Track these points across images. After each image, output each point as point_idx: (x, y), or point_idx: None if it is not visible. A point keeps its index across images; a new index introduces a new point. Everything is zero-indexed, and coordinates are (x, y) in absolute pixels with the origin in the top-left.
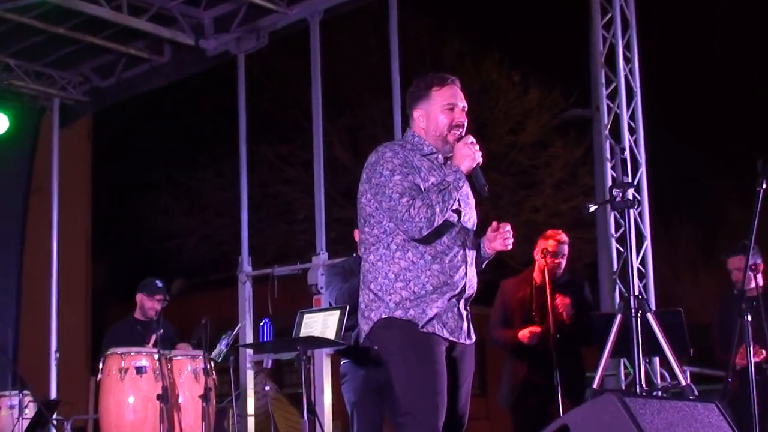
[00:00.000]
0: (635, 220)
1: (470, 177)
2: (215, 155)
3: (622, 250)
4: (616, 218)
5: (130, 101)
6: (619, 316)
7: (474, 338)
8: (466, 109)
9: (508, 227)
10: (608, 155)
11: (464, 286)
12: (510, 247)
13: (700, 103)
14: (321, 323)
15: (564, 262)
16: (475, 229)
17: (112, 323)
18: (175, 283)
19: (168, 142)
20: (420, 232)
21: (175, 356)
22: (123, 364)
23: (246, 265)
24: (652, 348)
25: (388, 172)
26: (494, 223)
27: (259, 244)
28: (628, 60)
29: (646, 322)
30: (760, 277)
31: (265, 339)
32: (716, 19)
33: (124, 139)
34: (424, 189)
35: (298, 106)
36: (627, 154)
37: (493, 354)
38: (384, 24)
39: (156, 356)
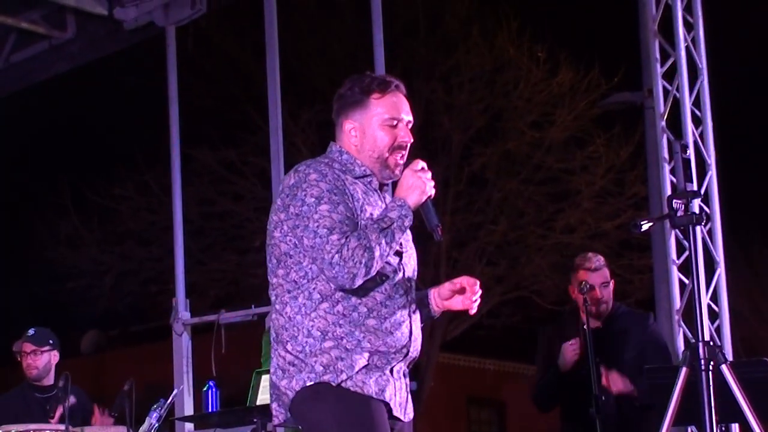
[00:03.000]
0: (703, 240)
1: (418, 214)
2: (137, 164)
3: (686, 281)
4: (678, 239)
5: (22, 93)
6: (683, 370)
7: (412, 415)
8: (411, 124)
9: (478, 288)
10: (666, 154)
11: (407, 347)
12: (474, 311)
13: None
14: None
15: (609, 293)
16: (416, 275)
17: None
18: (86, 337)
19: (73, 148)
20: (352, 280)
21: None
22: None
23: (183, 311)
24: (729, 411)
25: (313, 199)
26: (461, 281)
27: (201, 283)
28: (690, 27)
29: (720, 377)
30: None
31: (210, 409)
32: None
33: (13, 143)
34: (359, 225)
35: (249, 97)
36: (691, 152)
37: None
38: None
39: None
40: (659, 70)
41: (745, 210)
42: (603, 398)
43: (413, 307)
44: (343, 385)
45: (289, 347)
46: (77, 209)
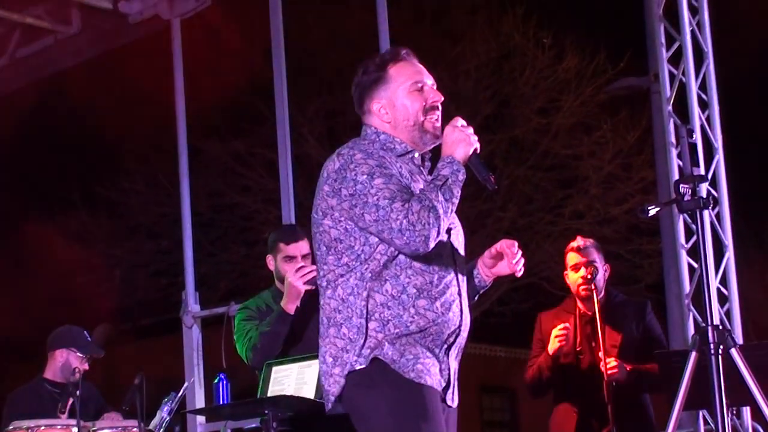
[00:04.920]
0: (712, 224)
1: (467, 169)
2: (146, 158)
3: (695, 265)
4: (686, 223)
5: (28, 87)
6: (693, 354)
7: (458, 402)
8: (435, 85)
9: (516, 247)
10: (673, 139)
11: (458, 328)
12: (521, 272)
13: None
14: (295, 378)
15: (599, 274)
16: (464, 252)
17: (12, 388)
18: (98, 331)
19: (81, 142)
20: (426, 243)
21: (101, 429)
22: None
23: (192, 304)
24: (739, 395)
25: (365, 176)
26: (498, 245)
27: (211, 275)
28: (695, 11)
29: (730, 361)
30: None
31: (221, 401)
32: None
33: (21, 138)
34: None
35: (256, 88)
36: (698, 136)
37: (529, 411)
38: None
39: (75, 430)
40: (665, 54)
41: (754, 192)
42: (599, 385)
43: (463, 285)
44: (396, 370)
45: (344, 330)
46: (86, 203)
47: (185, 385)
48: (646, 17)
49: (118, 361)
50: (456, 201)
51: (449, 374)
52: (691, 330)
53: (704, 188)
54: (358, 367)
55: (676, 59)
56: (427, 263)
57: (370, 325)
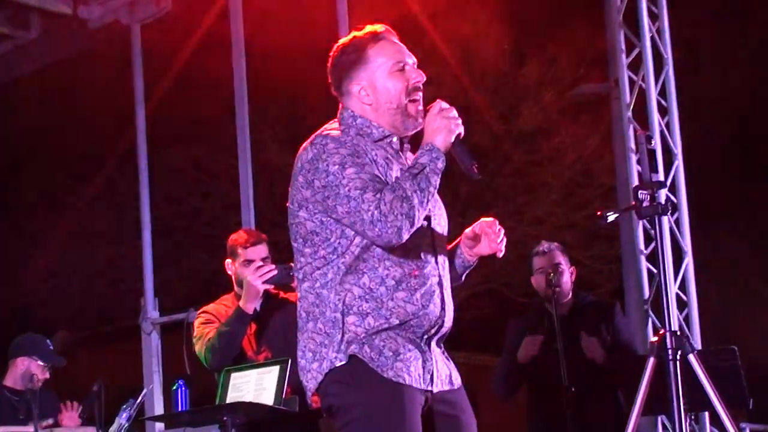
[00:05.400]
0: (671, 230)
1: (450, 156)
2: (105, 163)
3: (654, 271)
4: (645, 229)
5: None
6: (651, 360)
7: (460, 381)
8: (416, 63)
9: (498, 225)
10: (632, 145)
11: (441, 318)
12: (502, 251)
13: (755, 70)
14: (254, 384)
15: (565, 277)
16: (446, 236)
17: None
18: (56, 338)
19: (39, 148)
20: (398, 235)
21: None
22: None
23: (151, 310)
24: (697, 401)
25: (336, 167)
26: (476, 225)
27: (170, 281)
28: (654, 17)
29: (689, 367)
30: None
31: (179, 408)
32: None
33: None
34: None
35: (216, 93)
36: (657, 142)
37: (490, 420)
38: None
39: None
40: (625, 60)
41: (713, 199)
42: (573, 389)
43: (445, 274)
44: (374, 369)
45: (320, 325)
46: (44, 209)
47: (144, 391)
48: (606, 23)
49: (76, 367)
50: (433, 190)
51: (433, 364)
52: (651, 335)
53: (663, 194)
54: (338, 364)
55: (636, 65)
56: (405, 254)
57: (348, 320)
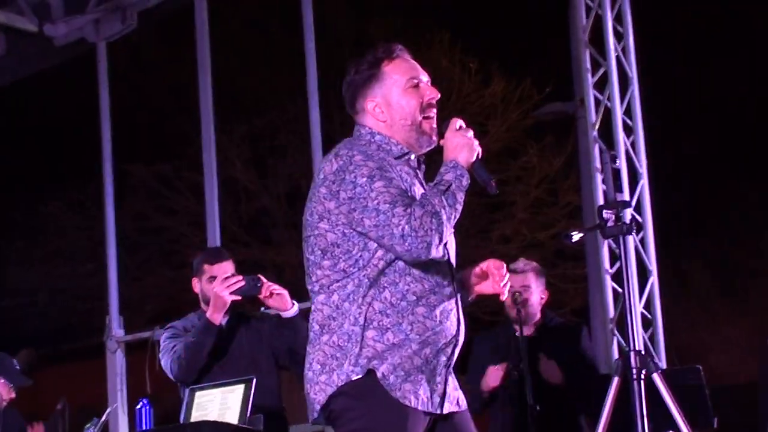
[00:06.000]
0: (636, 249)
1: (470, 174)
2: (70, 180)
3: (620, 290)
4: (611, 248)
5: None
6: (616, 380)
7: (466, 404)
8: (430, 81)
9: (505, 269)
10: (598, 164)
11: (457, 337)
12: (505, 294)
13: (719, 91)
14: (219, 403)
15: (532, 299)
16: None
17: None
18: (20, 356)
19: (3, 164)
20: (428, 250)
21: None
22: None
23: (116, 328)
24: (662, 419)
25: (365, 179)
26: (485, 264)
27: (136, 299)
28: (620, 37)
29: (653, 386)
30: None
31: (143, 427)
32: None
33: None
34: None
35: (182, 111)
36: (622, 161)
37: None
38: None
39: None
40: (590, 80)
41: (679, 219)
42: (538, 408)
43: (458, 294)
44: (386, 387)
45: (334, 338)
46: (5, 228)
47: (108, 410)
48: (572, 43)
49: (40, 386)
50: (459, 207)
51: (444, 386)
52: (616, 355)
53: (628, 213)
54: (354, 378)
55: (602, 84)
56: (426, 270)
57: (367, 334)
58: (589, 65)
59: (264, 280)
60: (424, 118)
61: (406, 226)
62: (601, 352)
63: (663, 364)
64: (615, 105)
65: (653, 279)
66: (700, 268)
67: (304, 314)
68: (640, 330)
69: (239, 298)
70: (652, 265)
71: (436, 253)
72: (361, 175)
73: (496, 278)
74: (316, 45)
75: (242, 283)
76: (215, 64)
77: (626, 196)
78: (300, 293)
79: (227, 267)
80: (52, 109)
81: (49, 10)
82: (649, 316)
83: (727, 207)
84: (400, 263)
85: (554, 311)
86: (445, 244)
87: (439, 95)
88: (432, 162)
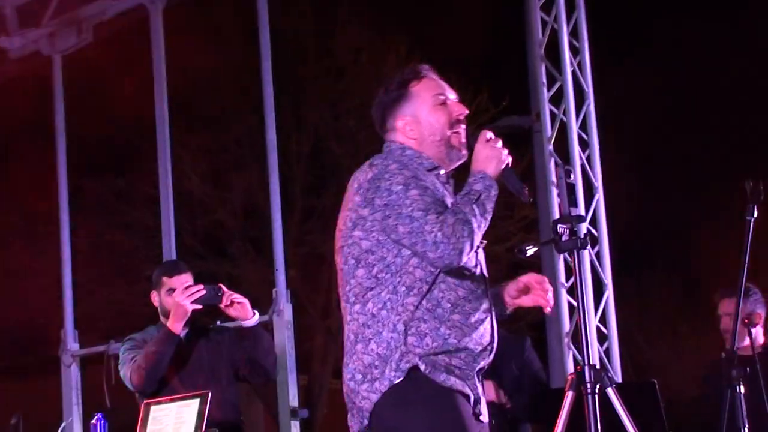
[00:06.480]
0: (591, 263)
1: (500, 184)
2: (22, 193)
3: (575, 303)
4: (566, 262)
5: None
6: (570, 394)
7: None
8: (458, 98)
9: (547, 283)
10: (553, 178)
11: (491, 344)
12: (549, 309)
13: (674, 106)
14: (174, 417)
15: None
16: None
17: None
18: None
19: None
20: (459, 256)
21: None
22: None
23: (71, 342)
24: None
25: (400, 186)
26: (525, 279)
27: (90, 313)
28: (576, 51)
29: (607, 401)
30: (759, 331)
31: None
32: None
33: None
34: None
35: (137, 124)
36: (577, 175)
37: None
38: (250, 10)
39: None
40: (546, 94)
41: (634, 234)
42: (493, 422)
43: (491, 303)
44: (433, 385)
45: (372, 345)
46: None
47: (63, 424)
48: (528, 57)
49: None
50: (489, 217)
51: (478, 393)
52: (571, 369)
53: (584, 227)
54: (396, 381)
55: (558, 99)
56: (460, 278)
57: (408, 340)
58: (545, 79)
59: (225, 289)
60: (453, 133)
61: (439, 233)
62: (557, 365)
63: (618, 378)
64: (571, 119)
65: (608, 293)
66: (658, 283)
67: (264, 325)
68: (595, 344)
69: (200, 306)
70: (608, 279)
71: (467, 260)
72: (397, 183)
73: (538, 292)
74: (277, 59)
75: (203, 292)
76: (171, 76)
77: (581, 211)
78: (257, 305)
79: (186, 279)
80: (6, 125)
81: (4, 22)
82: (604, 330)
83: (687, 220)
84: (435, 271)
85: (509, 325)
86: (477, 256)
87: (467, 111)
88: (459, 179)
